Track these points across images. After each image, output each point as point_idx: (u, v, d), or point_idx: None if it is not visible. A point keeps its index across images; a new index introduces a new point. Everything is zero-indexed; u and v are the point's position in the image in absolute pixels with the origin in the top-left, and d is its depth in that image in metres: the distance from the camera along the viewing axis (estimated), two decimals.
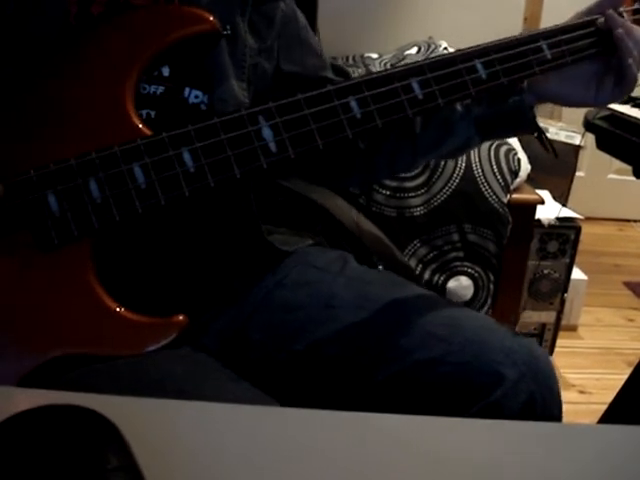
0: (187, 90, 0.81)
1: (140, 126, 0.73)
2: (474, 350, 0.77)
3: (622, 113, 1.35)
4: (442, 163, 1.90)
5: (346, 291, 0.86)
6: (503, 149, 1.96)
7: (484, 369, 0.76)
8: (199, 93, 0.81)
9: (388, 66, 2.35)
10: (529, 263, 2.07)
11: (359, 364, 0.81)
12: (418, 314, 0.82)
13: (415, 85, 0.76)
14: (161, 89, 0.80)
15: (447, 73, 0.77)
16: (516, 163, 1.95)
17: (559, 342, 2.20)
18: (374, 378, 0.80)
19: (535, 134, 0.90)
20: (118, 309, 0.71)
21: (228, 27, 0.81)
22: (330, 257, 0.92)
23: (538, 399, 0.76)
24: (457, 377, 0.77)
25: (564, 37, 0.82)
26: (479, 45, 0.79)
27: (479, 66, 0.78)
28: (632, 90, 0.86)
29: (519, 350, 0.77)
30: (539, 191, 2.06)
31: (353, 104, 0.75)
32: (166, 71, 0.80)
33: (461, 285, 1.93)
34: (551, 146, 0.93)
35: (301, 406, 0.76)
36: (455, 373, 0.77)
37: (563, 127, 2.43)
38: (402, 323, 0.82)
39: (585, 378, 2.13)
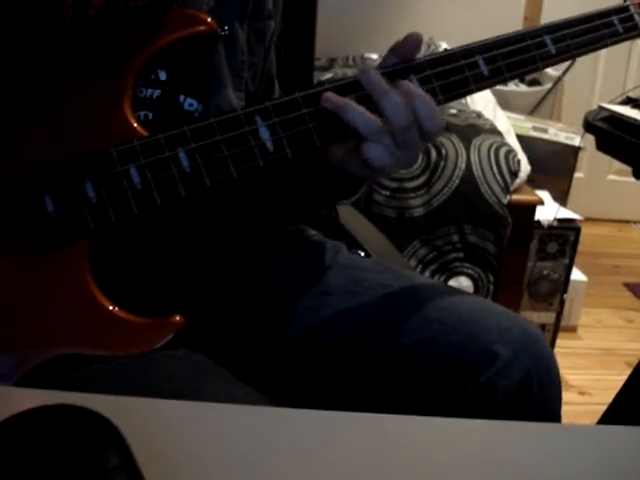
0: (182, 97, 0.81)
1: (136, 127, 0.73)
2: (468, 331, 0.77)
3: (622, 114, 1.35)
4: (442, 164, 1.90)
5: (340, 277, 0.86)
6: (503, 150, 1.96)
7: (478, 349, 0.76)
8: (194, 102, 0.81)
9: None
10: (528, 264, 2.08)
11: (354, 349, 0.81)
12: (412, 298, 0.82)
13: (415, 83, 0.76)
14: (157, 93, 0.80)
15: (448, 69, 0.77)
16: (516, 164, 1.96)
17: (559, 343, 2.20)
18: (369, 363, 0.80)
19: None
20: (114, 310, 0.71)
21: (226, 28, 0.81)
22: (324, 247, 0.92)
23: (534, 378, 0.75)
24: (451, 357, 0.77)
25: (569, 31, 0.81)
26: (480, 41, 0.79)
27: (481, 62, 0.77)
28: (385, 177, 0.74)
29: (513, 329, 0.77)
30: (539, 192, 2.06)
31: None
32: (163, 75, 0.80)
33: (461, 286, 1.93)
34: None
35: (298, 402, 0.76)
36: (449, 353, 0.77)
37: (563, 128, 2.43)
38: (396, 307, 0.82)
39: (585, 379, 2.13)
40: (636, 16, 0.85)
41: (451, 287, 0.88)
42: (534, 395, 0.76)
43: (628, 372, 1.48)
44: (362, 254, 1.03)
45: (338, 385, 0.82)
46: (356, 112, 0.71)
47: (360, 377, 0.81)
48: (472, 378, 0.75)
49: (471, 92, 0.78)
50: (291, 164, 0.82)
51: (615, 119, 1.36)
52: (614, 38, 0.84)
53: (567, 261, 2.14)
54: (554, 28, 0.81)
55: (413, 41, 0.75)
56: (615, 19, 0.84)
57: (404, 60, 0.75)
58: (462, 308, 0.80)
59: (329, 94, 0.73)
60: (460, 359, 0.76)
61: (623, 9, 0.85)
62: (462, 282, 1.95)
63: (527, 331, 0.78)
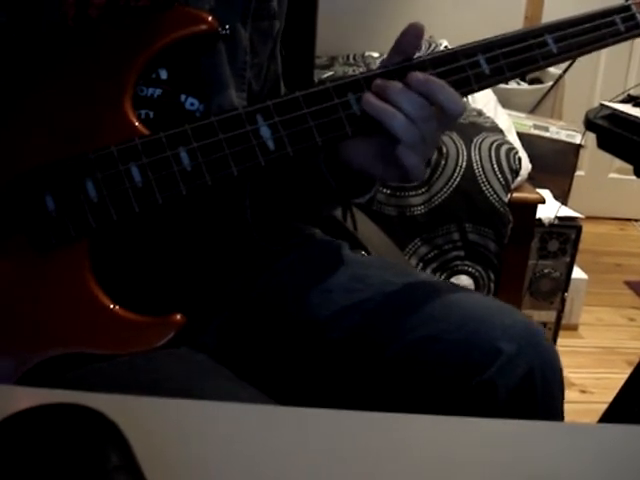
0: (183, 96, 0.81)
1: (137, 125, 0.73)
2: (472, 327, 0.77)
3: (623, 112, 1.35)
4: (443, 162, 1.90)
5: (342, 275, 0.86)
6: (504, 148, 1.96)
7: (482, 345, 0.76)
8: (195, 101, 0.81)
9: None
10: (529, 262, 2.08)
11: (357, 347, 0.81)
12: (415, 295, 0.82)
13: None
14: (158, 92, 0.80)
15: (449, 69, 0.77)
16: (517, 162, 1.95)
17: (560, 341, 2.20)
18: (372, 360, 0.80)
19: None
20: (116, 308, 0.71)
21: (227, 27, 0.81)
22: (325, 245, 0.92)
23: (537, 373, 0.76)
24: (455, 354, 0.77)
25: (570, 30, 0.81)
26: (482, 40, 0.78)
27: (482, 61, 0.77)
28: (419, 179, 0.74)
29: (516, 326, 0.77)
30: (540, 190, 2.06)
31: (352, 101, 0.74)
32: (164, 74, 0.80)
33: (462, 284, 1.93)
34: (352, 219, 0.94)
35: (302, 401, 0.76)
36: (453, 350, 0.77)
37: (564, 126, 2.43)
38: (399, 304, 0.82)
39: (586, 377, 2.13)
40: (637, 15, 0.84)
41: (454, 284, 0.89)
42: (537, 390, 0.76)
43: (629, 371, 1.48)
44: (365, 255, 1.03)
45: (341, 382, 0.82)
46: (401, 120, 0.71)
47: (363, 374, 0.81)
48: (476, 374, 0.75)
49: (473, 91, 0.78)
50: (303, 165, 0.82)
51: (616, 117, 1.36)
52: (616, 37, 0.84)
53: (568, 259, 2.14)
54: (555, 27, 0.81)
55: (414, 32, 0.74)
56: (617, 18, 0.84)
57: (407, 53, 0.75)
58: (465, 305, 0.80)
59: (371, 97, 0.73)
60: (464, 355, 0.77)
61: (624, 8, 0.85)
62: (463, 280, 1.95)
63: (530, 327, 0.78)
